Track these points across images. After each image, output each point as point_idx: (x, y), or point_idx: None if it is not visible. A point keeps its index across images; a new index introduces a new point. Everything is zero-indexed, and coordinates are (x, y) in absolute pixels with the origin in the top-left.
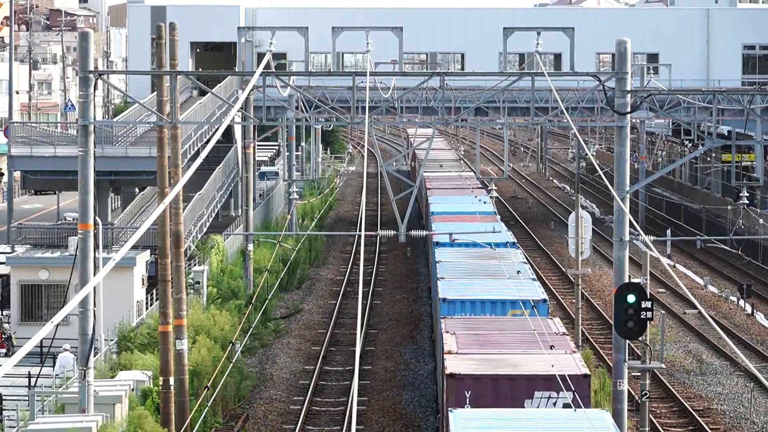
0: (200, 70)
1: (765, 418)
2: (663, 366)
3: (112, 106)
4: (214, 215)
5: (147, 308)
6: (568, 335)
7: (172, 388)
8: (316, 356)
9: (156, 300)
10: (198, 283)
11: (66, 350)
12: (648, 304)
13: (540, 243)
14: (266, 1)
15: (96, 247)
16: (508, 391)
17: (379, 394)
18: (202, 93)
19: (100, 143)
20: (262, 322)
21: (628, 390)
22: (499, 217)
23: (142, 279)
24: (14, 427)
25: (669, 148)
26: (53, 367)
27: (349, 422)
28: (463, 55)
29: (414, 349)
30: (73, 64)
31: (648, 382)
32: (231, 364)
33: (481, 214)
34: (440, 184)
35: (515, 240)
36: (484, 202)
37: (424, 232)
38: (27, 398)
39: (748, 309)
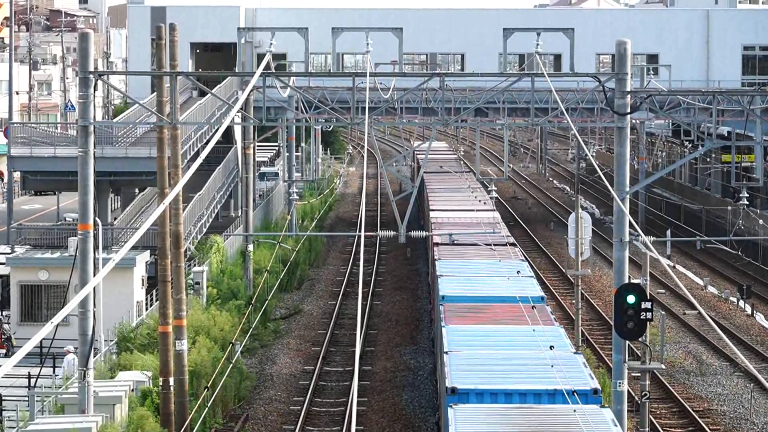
0: (200, 70)
1: (765, 418)
2: (663, 367)
3: (112, 107)
4: (214, 216)
5: (147, 309)
6: None
7: (171, 388)
8: (316, 357)
9: (156, 300)
10: (198, 283)
11: (70, 351)
12: (648, 305)
13: (540, 243)
14: (266, 1)
15: (96, 247)
16: None
17: (379, 394)
18: (202, 94)
19: (100, 144)
20: (262, 323)
21: (628, 391)
22: (521, 254)
23: (142, 279)
24: (14, 427)
25: (669, 149)
26: (54, 368)
27: (349, 423)
28: (462, 56)
29: (414, 349)
30: (73, 65)
31: (648, 382)
32: (231, 365)
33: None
34: (444, 204)
35: (543, 294)
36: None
37: (424, 233)
38: (27, 399)
39: (748, 310)
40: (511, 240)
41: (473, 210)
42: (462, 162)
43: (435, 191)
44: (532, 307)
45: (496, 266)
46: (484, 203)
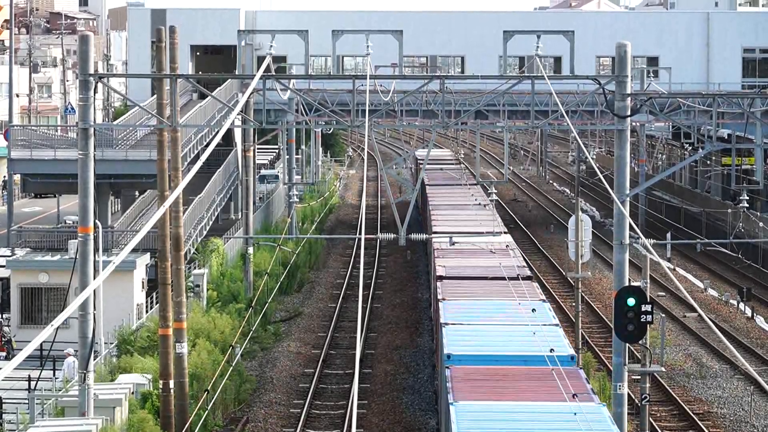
0: (200, 73)
1: (765, 421)
2: (663, 369)
3: (112, 109)
4: (214, 218)
5: (147, 311)
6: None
7: (172, 391)
8: (316, 359)
9: (156, 303)
10: (198, 286)
11: (70, 354)
12: (648, 308)
13: (540, 246)
14: (266, 4)
15: (96, 250)
16: None
17: (379, 397)
18: (202, 96)
19: (100, 146)
20: (262, 326)
21: (628, 393)
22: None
23: (142, 282)
24: (14, 430)
25: (669, 152)
26: (54, 371)
27: (349, 425)
28: (463, 58)
29: (414, 352)
30: (73, 67)
31: (648, 385)
32: (231, 368)
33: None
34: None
35: (573, 352)
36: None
37: (424, 236)
38: (27, 401)
39: (748, 312)
40: (527, 272)
41: (482, 231)
42: (466, 169)
43: (438, 208)
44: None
45: (513, 309)
46: (495, 224)
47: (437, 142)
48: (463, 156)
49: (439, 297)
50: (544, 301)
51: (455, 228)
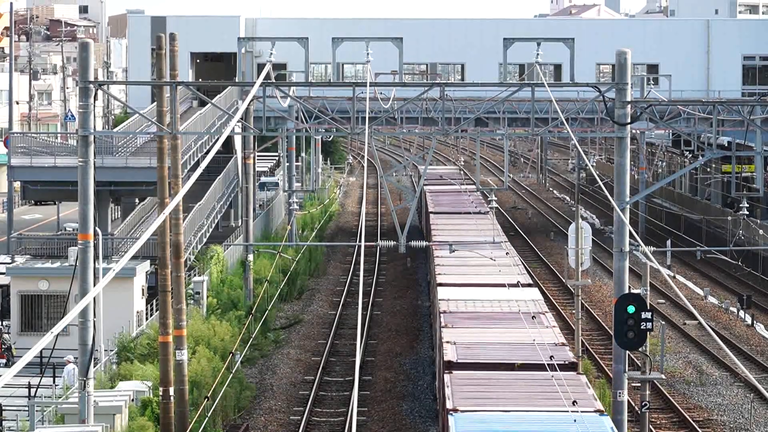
0: (200, 80)
1: (765, 429)
2: (663, 377)
3: (113, 117)
4: (214, 226)
5: (147, 319)
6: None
7: (171, 398)
8: (316, 366)
9: (156, 310)
10: (198, 293)
11: (70, 361)
12: (648, 315)
13: (540, 254)
14: (266, 11)
15: (96, 257)
16: None
17: (379, 404)
18: (202, 103)
19: (100, 153)
20: (262, 333)
21: (628, 401)
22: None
23: (142, 289)
24: None
25: (669, 159)
26: (54, 378)
27: None
28: (463, 66)
29: (414, 359)
30: (73, 75)
31: (648, 392)
32: (231, 375)
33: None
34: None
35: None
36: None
37: (424, 243)
38: (27, 408)
39: (748, 320)
40: (547, 315)
41: (492, 266)
42: (480, 195)
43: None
44: None
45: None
46: (516, 271)
47: (438, 150)
48: (463, 163)
49: (446, 359)
50: (563, 343)
51: (462, 275)
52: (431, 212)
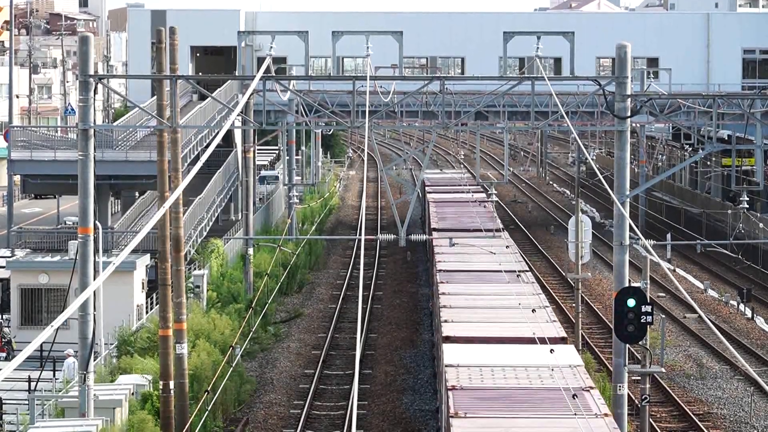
0: (200, 74)
1: (765, 422)
2: (663, 370)
3: (112, 110)
4: (214, 219)
5: (147, 312)
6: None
7: (172, 392)
8: (316, 360)
9: (156, 304)
10: (198, 287)
11: (70, 355)
12: (648, 309)
13: (540, 247)
14: (266, 5)
15: (96, 251)
16: None
17: (379, 398)
18: (203, 97)
19: (100, 147)
20: (262, 326)
21: (628, 394)
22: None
23: (142, 283)
24: (14, 431)
25: (669, 153)
26: (55, 371)
27: (349, 426)
28: (463, 60)
29: (414, 353)
30: (73, 68)
31: (648, 386)
32: (231, 368)
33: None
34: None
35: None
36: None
37: (424, 237)
38: (27, 402)
39: (748, 313)
40: (562, 334)
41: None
42: (491, 206)
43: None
44: None
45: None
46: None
47: (438, 143)
48: (463, 157)
49: (448, 385)
50: (579, 364)
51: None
52: (434, 229)
